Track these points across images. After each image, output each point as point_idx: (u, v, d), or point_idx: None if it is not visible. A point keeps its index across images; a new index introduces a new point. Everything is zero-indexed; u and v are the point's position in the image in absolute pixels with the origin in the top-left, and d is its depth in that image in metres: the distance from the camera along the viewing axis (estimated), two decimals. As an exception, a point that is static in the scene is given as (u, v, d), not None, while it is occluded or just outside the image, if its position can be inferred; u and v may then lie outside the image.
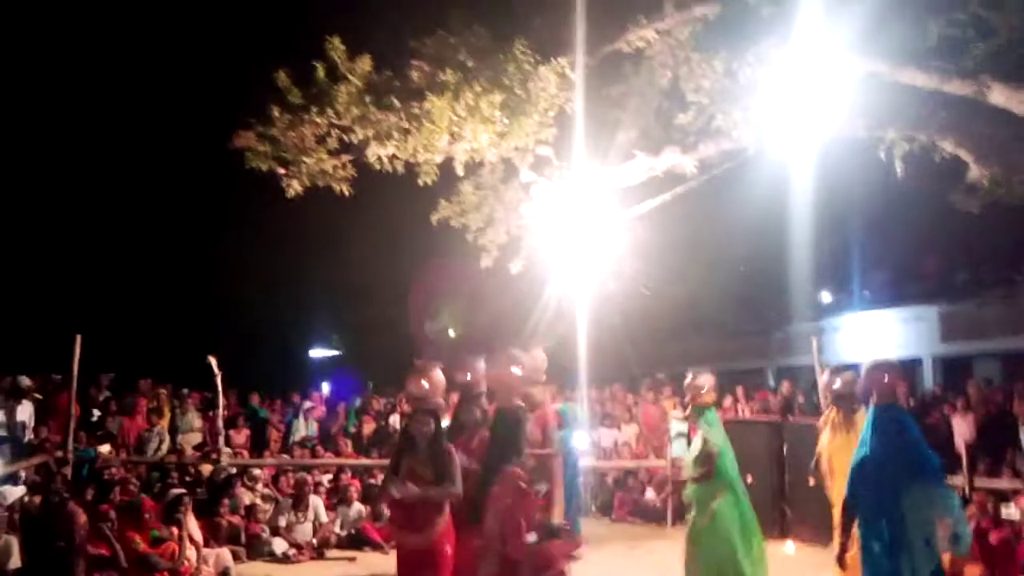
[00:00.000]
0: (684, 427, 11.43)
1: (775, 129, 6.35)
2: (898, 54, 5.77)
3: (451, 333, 16.97)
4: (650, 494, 11.08)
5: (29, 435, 9.38)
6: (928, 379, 14.52)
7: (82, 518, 7.40)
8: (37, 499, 7.75)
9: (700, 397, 6.56)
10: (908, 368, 14.28)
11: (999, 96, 5.54)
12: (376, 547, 9.34)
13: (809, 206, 6.76)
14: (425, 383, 5.83)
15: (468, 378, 6.03)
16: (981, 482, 8.45)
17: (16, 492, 7.72)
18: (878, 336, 15.57)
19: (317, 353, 22.24)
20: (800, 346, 13.50)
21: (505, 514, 4.47)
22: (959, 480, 8.62)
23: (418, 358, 6.40)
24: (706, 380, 6.62)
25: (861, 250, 14.42)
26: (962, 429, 9.69)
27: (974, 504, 8.09)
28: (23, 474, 8.52)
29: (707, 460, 6.32)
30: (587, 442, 11.04)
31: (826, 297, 17.00)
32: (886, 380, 5.03)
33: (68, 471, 8.59)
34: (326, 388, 16.74)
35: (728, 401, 11.53)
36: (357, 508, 9.76)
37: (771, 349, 17.03)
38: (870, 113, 6.17)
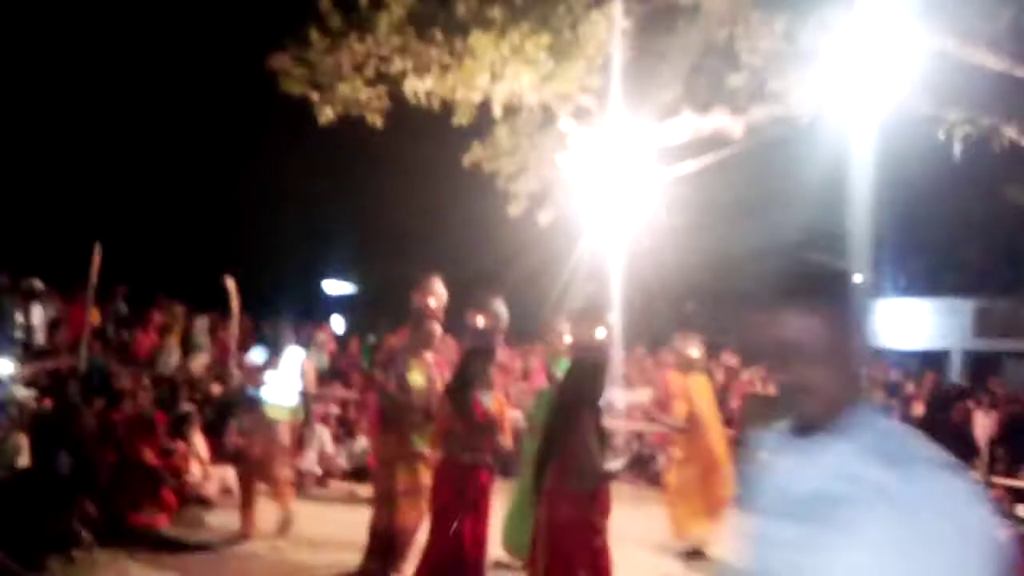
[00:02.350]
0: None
1: (832, 99, 6.07)
2: (968, 33, 5.47)
3: None
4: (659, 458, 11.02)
5: (40, 338, 9.42)
6: (956, 373, 14.26)
7: (92, 424, 7.46)
8: (47, 402, 7.80)
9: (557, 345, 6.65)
10: (936, 360, 14.03)
11: (1071, 85, 5.27)
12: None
13: (855, 184, 6.50)
14: (483, 318, 5.71)
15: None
16: (999, 480, 8.33)
17: (24, 393, 7.76)
18: (909, 325, 15.26)
19: (333, 287, 22.17)
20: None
21: None
22: (976, 476, 8.50)
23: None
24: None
25: (901, 235, 14.04)
26: (984, 425, 9.52)
27: (991, 500, 7.97)
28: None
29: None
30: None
31: (858, 279, 16.64)
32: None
33: (79, 378, 8.61)
34: (339, 323, 16.77)
35: (747, 375, 11.39)
36: (362, 442, 9.79)
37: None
38: (933, 91, 5.87)
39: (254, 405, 6.73)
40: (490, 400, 5.16)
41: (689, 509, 7.05)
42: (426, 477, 5.56)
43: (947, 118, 5.88)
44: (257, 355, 6.91)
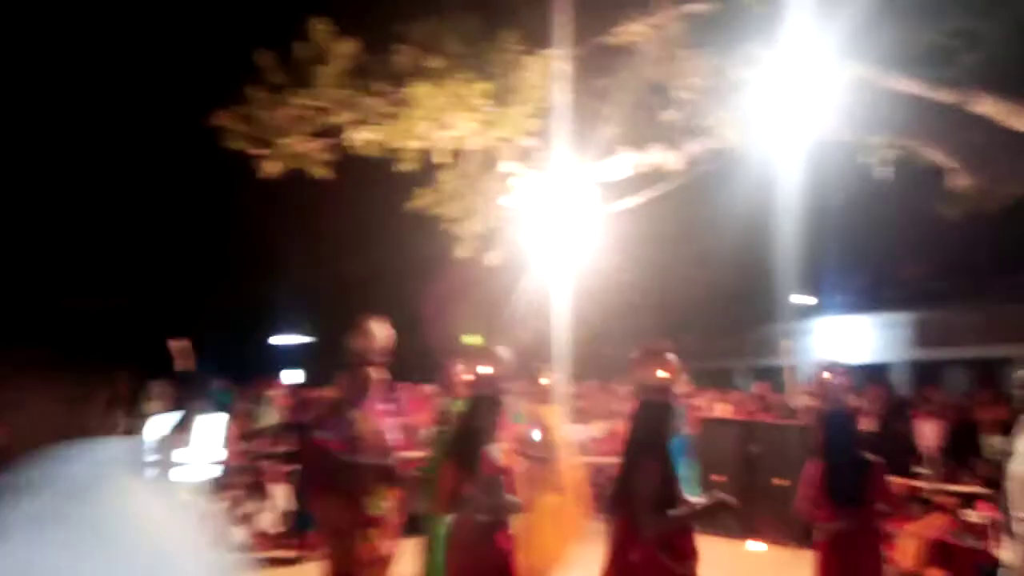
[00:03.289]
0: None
1: (762, 130, 6.32)
2: (887, 60, 5.77)
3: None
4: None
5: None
6: (900, 384, 14.70)
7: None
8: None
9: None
10: (880, 372, 14.45)
11: (985, 106, 5.57)
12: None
13: (791, 208, 6.77)
14: (487, 365, 5.32)
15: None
16: (946, 487, 8.53)
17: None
18: (852, 340, 15.74)
19: (284, 340, 21.88)
20: (774, 348, 13.58)
21: None
22: (925, 484, 8.71)
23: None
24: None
25: (839, 255, 14.53)
26: (929, 433, 9.77)
27: (940, 507, 8.17)
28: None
29: None
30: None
31: (802, 300, 17.13)
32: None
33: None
34: (295, 375, 16.54)
35: (700, 400, 11.56)
36: (324, 497, 9.65)
37: (746, 349, 17.13)
38: (857, 117, 6.16)
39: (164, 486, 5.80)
40: (499, 453, 4.78)
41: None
42: (385, 546, 5.19)
43: (871, 142, 6.16)
44: (157, 426, 5.78)
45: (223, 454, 6.02)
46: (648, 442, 4.08)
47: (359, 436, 5.26)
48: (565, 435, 6.64)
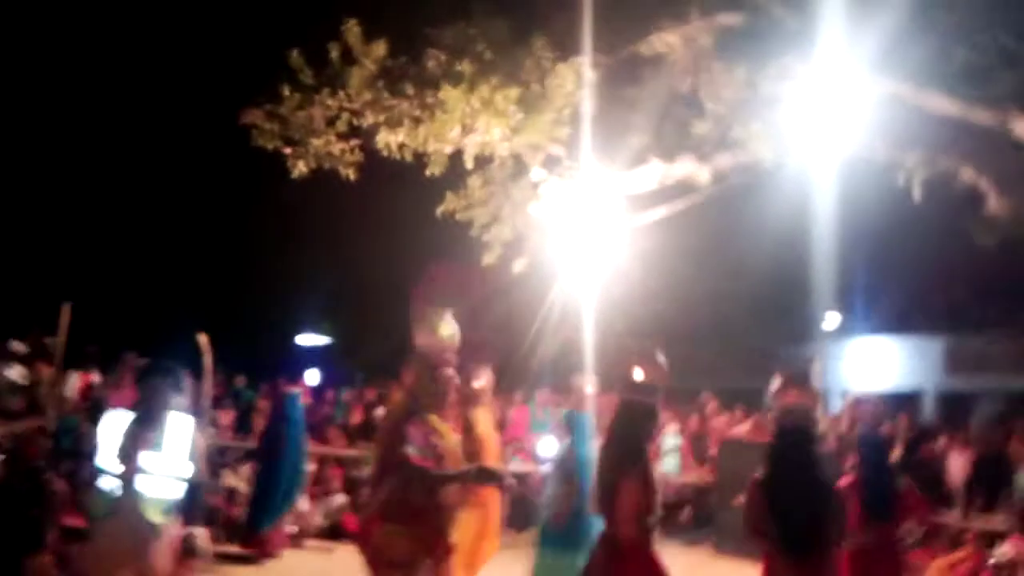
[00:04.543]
0: (677, 441, 11.30)
1: (794, 145, 6.22)
2: (922, 77, 5.67)
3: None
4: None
5: (14, 403, 9.26)
6: (929, 411, 14.37)
7: (57, 487, 7.30)
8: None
9: None
10: (909, 399, 14.16)
11: (1023, 129, 5.44)
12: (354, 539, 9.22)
13: (822, 226, 6.64)
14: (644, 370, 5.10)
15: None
16: (975, 520, 8.30)
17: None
18: (881, 364, 15.43)
19: (307, 340, 21.96)
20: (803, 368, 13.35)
21: None
22: (953, 517, 8.48)
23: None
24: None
25: (871, 276, 14.27)
26: (959, 464, 9.52)
27: (968, 541, 7.95)
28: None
29: None
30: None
31: (832, 320, 16.83)
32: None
33: (48, 439, 8.44)
34: (314, 376, 16.61)
35: (726, 419, 11.39)
36: (339, 499, 9.63)
37: (773, 369, 16.85)
38: (891, 135, 6.05)
39: (120, 503, 4.54)
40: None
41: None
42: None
43: (905, 162, 6.04)
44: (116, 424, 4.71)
45: (191, 469, 4.68)
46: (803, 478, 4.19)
47: (447, 453, 4.34)
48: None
